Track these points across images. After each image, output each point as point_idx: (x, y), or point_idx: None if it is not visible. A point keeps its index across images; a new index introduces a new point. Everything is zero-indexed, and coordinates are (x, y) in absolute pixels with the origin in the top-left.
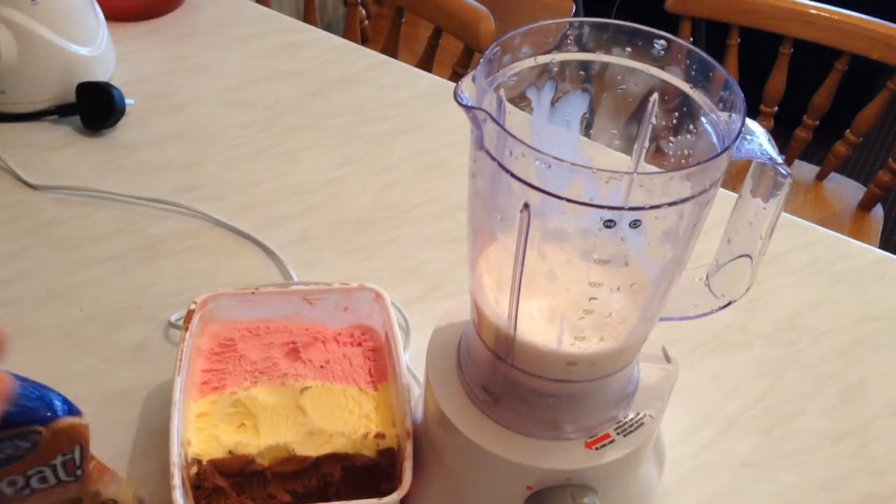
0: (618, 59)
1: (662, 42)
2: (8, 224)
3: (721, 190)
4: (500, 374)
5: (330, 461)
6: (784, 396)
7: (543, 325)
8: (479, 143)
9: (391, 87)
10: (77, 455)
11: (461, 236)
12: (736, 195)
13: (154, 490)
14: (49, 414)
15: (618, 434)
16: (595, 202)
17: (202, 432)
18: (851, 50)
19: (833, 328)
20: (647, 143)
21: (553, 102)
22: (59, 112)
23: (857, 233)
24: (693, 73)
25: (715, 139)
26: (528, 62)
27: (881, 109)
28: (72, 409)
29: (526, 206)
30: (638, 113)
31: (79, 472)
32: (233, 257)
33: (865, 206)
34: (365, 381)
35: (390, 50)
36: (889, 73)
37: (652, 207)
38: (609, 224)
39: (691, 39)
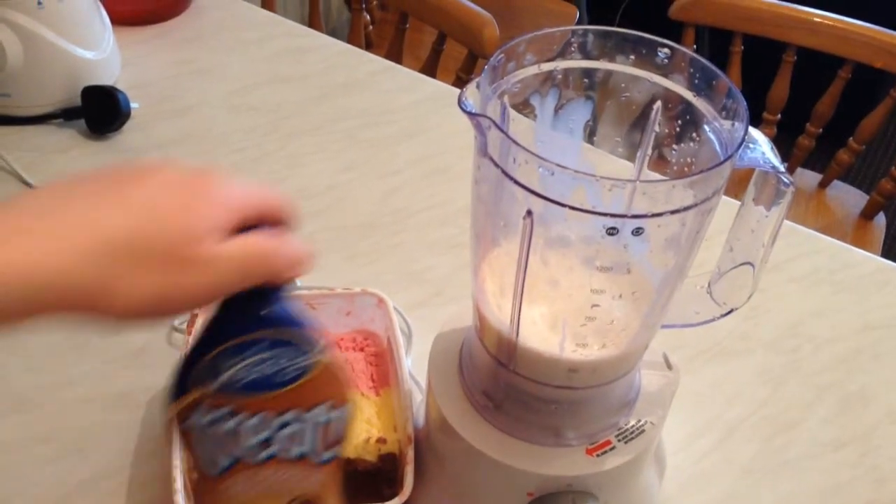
0: (621, 67)
1: (666, 50)
2: None
3: (723, 198)
4: (502, 380)
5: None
6: (785, 404)
7: (545, 331)
8: (483, 150)
9: (395, 91)
10: (344, 416)
11: (465, 241)
12: (738, 203)
13: (155, 493)
14: (322, 341)
15: (619, 441)
16: (598, 209)
17: None
18: (855, 58)
19: (835, 336)
20: (650, 151)
21: (557, 109)
22: (65, 115)
23: (859, 241)
24: (696, 81)
25: (718, 147)
26: (532, 69)
27: (884, 117)
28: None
29: (529, 212)
30: (641, 120)
31: (337, 450)
32: None
33: (868, 214)
34: (367, 386)
35: (394, 55)
36: (892, 82)
37: (654, 215)
38: (612, 231)
39: (694, 46)
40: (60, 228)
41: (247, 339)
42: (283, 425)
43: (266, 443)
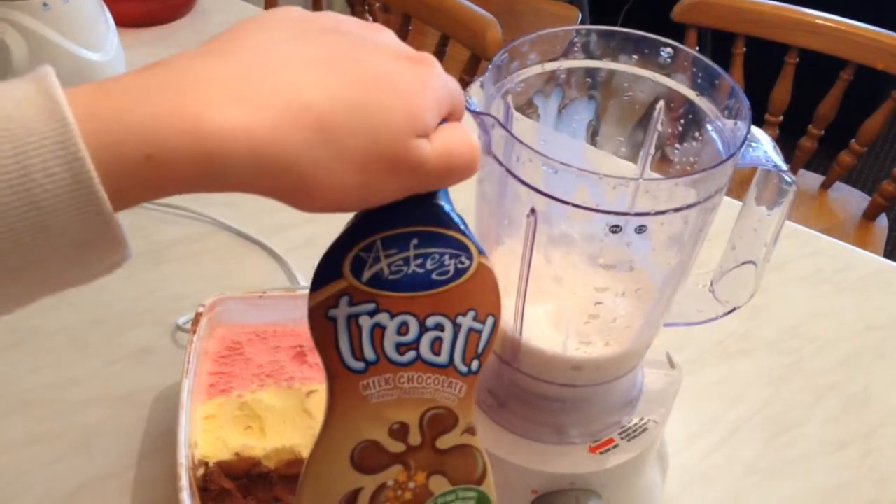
0: (624, 67)
1: (669, 50)
2: None
3: (726, 198)
4: (506, 379)
5: None
6: (788, 404)
7: (549, 329)
8: (487, 149)
9: None
10: (487, 329)
11: None
12: (741, 203)
13: (161, 491)
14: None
15: (622, 439)
16: (601, 208)
17: (209, 434)
18: (856, 60)
19: (837, 337)
20: (652, 150)
21: (560, 109)
22: None
23: (861, 242)
24: (699, 80)
25: (720, 146)
26: (536, 69)
27: (886, 119)
28: None
29: (532, 210)
30: (644, 120)
31: (474, 365)
32: (240, 261)
33: (870, 215)
34: None
35: None
36: (894, 83)
37: (657, 213)
38: (615, 229)
39: (697, 48)
40: (261, 94)
41: (407, 230)
42: (428, 329)
43: (408, 346)
